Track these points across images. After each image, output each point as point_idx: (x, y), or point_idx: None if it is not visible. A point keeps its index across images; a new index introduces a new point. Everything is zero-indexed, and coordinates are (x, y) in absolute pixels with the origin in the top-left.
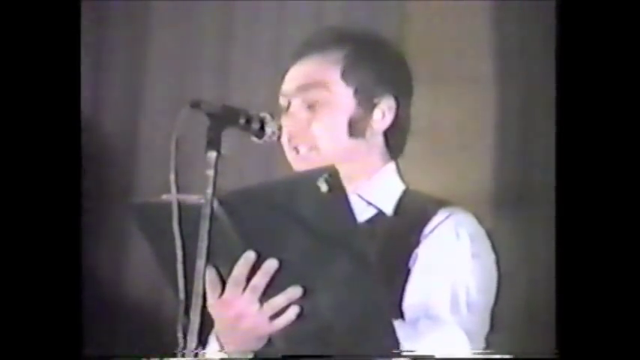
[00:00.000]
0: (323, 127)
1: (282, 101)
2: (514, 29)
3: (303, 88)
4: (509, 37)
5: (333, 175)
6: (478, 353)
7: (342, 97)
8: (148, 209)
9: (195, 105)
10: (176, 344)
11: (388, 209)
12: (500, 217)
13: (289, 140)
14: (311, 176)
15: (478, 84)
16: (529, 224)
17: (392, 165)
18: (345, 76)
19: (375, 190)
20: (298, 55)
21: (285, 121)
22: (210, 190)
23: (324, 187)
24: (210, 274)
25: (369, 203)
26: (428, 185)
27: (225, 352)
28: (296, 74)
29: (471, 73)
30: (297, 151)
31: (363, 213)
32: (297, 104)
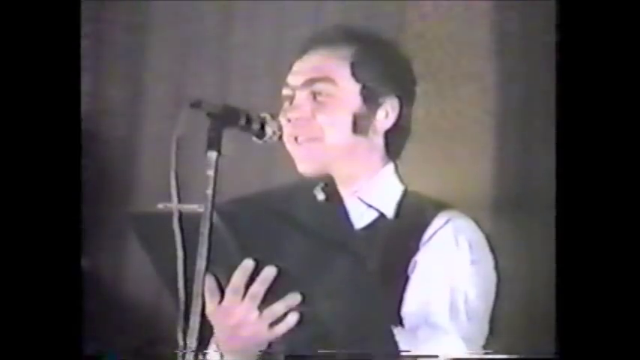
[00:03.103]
0: (328, 119)
1: (286, 92)
2: (514, 29)
3: (310, 82)
4: (509, 37)
5: (329, 185)
6: (479, 354)
7: (349, 93)
8: (145, 219)
9: (196, 105)
10: (176, 345)
11: (389, 212)
12: (500, 219)
13: (291, 131)
14: (308, 185)
15: (478, 84)
16: (529, 224)
17: (390, 166)
18: (353, 72)
19: (375, 192)
20: (305, 49)
21: (289, 113)
22: (210, 191)
23: (320, 196)
24: (210, 282)
25: (370, 206)
26: (427, 186)
27: (221, 355)
28: (303, 67)
29: (471, 73)
30: (299, 142)
31: (363, 216)
32: (302, 96)
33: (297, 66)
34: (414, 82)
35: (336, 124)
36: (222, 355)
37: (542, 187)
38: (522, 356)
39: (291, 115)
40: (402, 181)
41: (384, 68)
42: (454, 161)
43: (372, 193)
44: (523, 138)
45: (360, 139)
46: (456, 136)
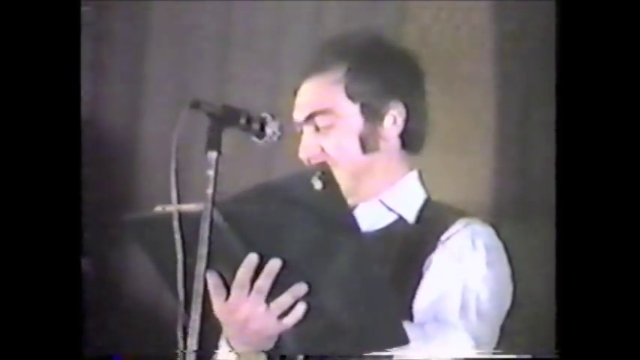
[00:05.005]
0: (335, 148)
1: (297, 127)
2: (514, 29)
3: (311, 117)
4: (509, 37)
5: (325, 173)
6: (479, 353)
7: (350, 117)
8: (143, 223)
9: (196, 105)
10: (176, 345)
11: (410, 216)
12: (499, 219)
13: (308, 163)
14: (304, 175)
15: (478, 84)
16: (529, 225)
17: (414, 173)
18: (349, 94)
19: (397, 197)
20: (302, 76)
21: (301, 153)
22: (210, 191)
23: (317, 185)
24: (214, 280)
25: (390, 209)
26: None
27: (237, 354)
28: (302, 100)
29: (471, 74)
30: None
31: (383, 218)
32: (309, 132)
33: (299, 99)
34: (420, 79)
35: (344, 151)
36: (238, 355)
37: (543, 187)
38: (523, 356)
39: (303, 155)
40: (426, 189)
41: (379, 79)
42: (453, 162)
43: (394, 197)
44: (523, 138)
45: (372, 156)
46: (454, 137)
